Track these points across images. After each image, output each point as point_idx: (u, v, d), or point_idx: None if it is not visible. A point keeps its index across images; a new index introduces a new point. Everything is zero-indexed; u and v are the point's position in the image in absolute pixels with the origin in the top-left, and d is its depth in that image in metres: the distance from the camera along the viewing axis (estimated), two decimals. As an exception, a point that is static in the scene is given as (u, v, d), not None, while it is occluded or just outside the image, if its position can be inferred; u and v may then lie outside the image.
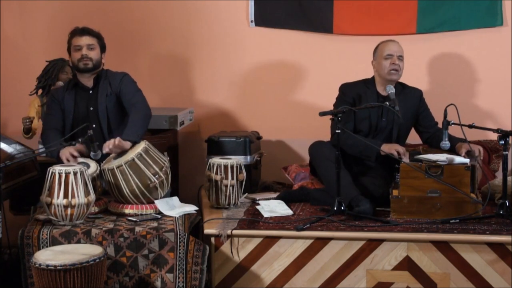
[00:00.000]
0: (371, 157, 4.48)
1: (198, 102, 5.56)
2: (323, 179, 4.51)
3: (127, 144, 4.17)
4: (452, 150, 4.38)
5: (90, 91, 4.49)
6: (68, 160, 4.14)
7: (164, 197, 4.20)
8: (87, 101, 4.48)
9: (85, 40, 4.43)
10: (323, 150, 4.47)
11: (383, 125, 4.58)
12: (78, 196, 3.84)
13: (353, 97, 4.57)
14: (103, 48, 4.52)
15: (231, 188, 4.40)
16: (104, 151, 4.15)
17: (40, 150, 4.54)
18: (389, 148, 4.38)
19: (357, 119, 4.57)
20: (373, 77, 4.65)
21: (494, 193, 4.38)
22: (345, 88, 4.65)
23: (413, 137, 4.78)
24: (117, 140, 4.13)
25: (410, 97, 4.62)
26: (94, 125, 4.43)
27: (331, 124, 4.50)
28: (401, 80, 4.64)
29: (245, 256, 4.02)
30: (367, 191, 4.33)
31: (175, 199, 4.26)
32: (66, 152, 4.17)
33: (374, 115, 4.58)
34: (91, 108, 4.46)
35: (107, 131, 4.44)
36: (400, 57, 4.55)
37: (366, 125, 4.57)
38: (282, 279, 4.00)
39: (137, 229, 3.85)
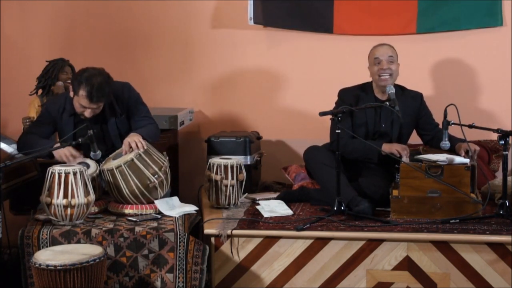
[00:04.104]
0: (372, 159, 4.48)
1: (198, 102, 5.55)
2: (320, 184, 4.50)
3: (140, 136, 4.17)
4: (452, 150, 4.38)
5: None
6: (67, 159, 4.12)
7: (164, 197, 4.20)
8: (90, 125, 4.21)
9: (93, 106, 4.15)
10: (318, 155, 4.47)
11: (383, 130, 4.57)
12: (78, 196, 3.84)
13: (351, 102, 4.54)
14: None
15: (231, 188, 4.40)
16: (127, 149, 4.09)
17: (40, 150, 4.53)
18: (389, 148, 4.38)
19: (354, 125, 4.56)
20: (371, 81, 4.64)
21: (494, 193, 4.38)
22: (343, 94, 4.64)
23: (414, 138, 4.77)
24: (141, 137, 4.12)
25: (411, 100, 4.60)
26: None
27: (330, 125, 4.50)
28: (401, 83, 4.63)
29: (245, 256, 4.02)
30: (367, 193, 4.33)
31: (175, 199, 4.26)
32: (66, 152, 4.14)
33: (371, 121, 4.57)
34: (94, 131, 4.21)
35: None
36: (391, 58, 4.49)
37: (362, 131, 4.56)
38: (282, 279, 4.00)
39: (137, 229, 3.85)
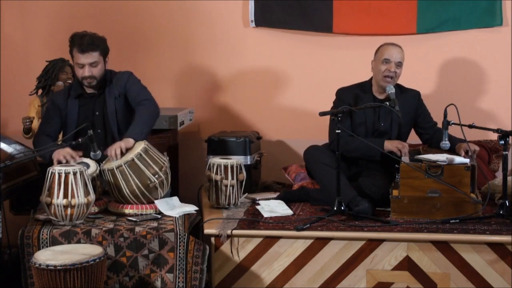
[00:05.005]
0: (375, 157, 4.47)
1: (198, 102, 5.56)
2: (320, 184, 4.50)
3: (131, 142, 4.14)
4: (452, 150, 4.38)
5: (96, 96, 4.42)
6: (66, 159, 4.12)
7: (164, 197, 4.20)
8: (92, 106, 4.41)
9: (87, 59, 4.27)
10: (318, 155, 4.47)
11: (382, 129, 4.57)
12: (78, 196, 3.84)
13: (349, 102, 4.54)
14: (106, 54, 4.37)
15: (231, 188, 4.40)
16: (112, 160, 4.09)
17: (40, 150, 4.53)
18: (391, 145, 4.39)
19: (353, 124, 4.55)
20: (370, 80, 4.63)
21: (494, 193, 4.38)
22: (341, 93, 4.64)
23: (414, 138, 4.77)
24: (123, 144, 4.10)
25: (408, 99, 4.60)
26: (99, 130, 4.36)
27: (329, 126, 4.50)
28: (399, 82, 4.62)
29: (245, 256, 4.02)
30: (367, 192, 4.33)
31: (175, 199, 4.26)
32: (62, 152, 4.13)
33: (370, 120, 4.56)
34: (97, 113, 4.41)
35: (117, 134, 4.36)
36: (399, 64, 4.50)
37: (361, 131, 4.55)
38: (282, 279, 4.00)
39: (137, 229, 3.85)
